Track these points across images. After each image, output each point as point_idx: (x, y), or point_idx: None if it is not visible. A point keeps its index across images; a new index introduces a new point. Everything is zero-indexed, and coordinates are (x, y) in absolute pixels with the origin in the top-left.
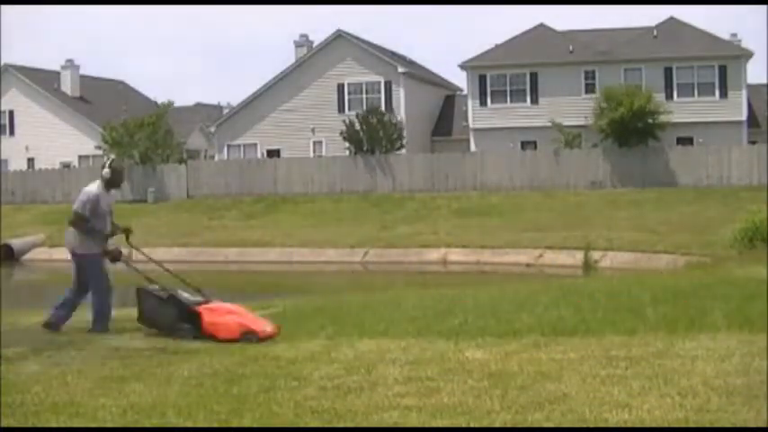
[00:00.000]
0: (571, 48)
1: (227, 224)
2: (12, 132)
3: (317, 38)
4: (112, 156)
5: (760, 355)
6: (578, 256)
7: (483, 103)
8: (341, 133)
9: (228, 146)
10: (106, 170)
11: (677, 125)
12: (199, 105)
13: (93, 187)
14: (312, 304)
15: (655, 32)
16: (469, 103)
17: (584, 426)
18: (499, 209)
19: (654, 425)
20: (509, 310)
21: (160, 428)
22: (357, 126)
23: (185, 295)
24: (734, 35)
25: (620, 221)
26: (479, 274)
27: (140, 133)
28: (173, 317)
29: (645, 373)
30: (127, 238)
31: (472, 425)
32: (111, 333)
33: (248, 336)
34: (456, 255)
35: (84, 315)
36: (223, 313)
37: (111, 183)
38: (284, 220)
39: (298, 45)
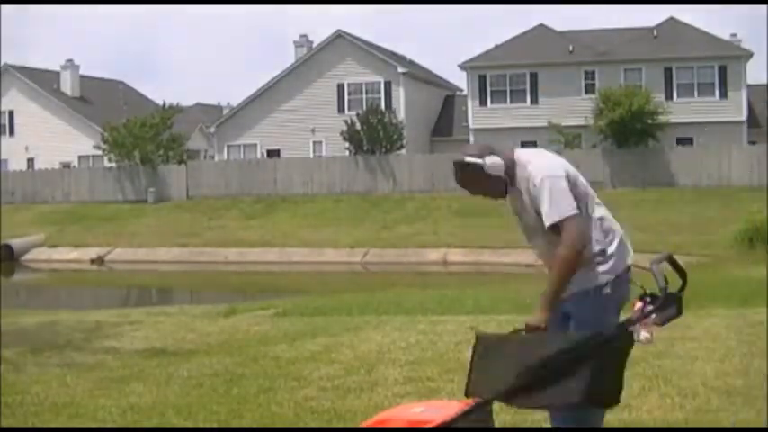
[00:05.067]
0: (571, 48)
1: (226, 224)
2: (12, 132)
3: (317, 38)
4: None
5: (760, 356)
6: None
7: (483, 103)
8: (341, 133)
9: (228, 146)
10: None
11: (677, 125)
12: (199, 105)
13: None
14: (312, 304)
15: (655, 32)
16: (469, 103)
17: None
18: (499, 209)
19: (654, 425)
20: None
21: (160, 428)
22: (357, 126)
23: None
24: (734, 35)
25: (620, 222)
26: (479, 274)
27: (143, 134)
28: None
29: (645, 373)
30: None
31: None
32: None
33: None
34: (456, 255)
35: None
36: None
37: None
38: (284, 221)
39: (298, 45)
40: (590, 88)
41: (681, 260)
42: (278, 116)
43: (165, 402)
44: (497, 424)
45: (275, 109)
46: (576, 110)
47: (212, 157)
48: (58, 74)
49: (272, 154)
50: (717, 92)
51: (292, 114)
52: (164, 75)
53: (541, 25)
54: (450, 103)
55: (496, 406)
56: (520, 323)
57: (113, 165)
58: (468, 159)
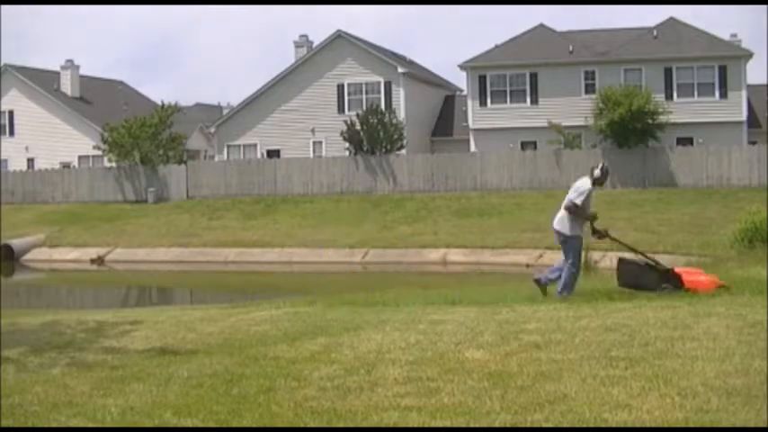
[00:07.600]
0: (571, 48)
1: (227, 224)
2: (12, 132)
3: (317, 38)
4: (603, 162)
5: (760, 356)
6: None
7: (483, 103)
8: (341, 133)
9: (228, 146)
10: (597, 171)
11: (677, 125)
12: (199, 105)
13: (588, 183)
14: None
15: (655, 32)
16: (469, 103)
17: (584, 426)
18: (499, 209)
19: (654, 425)
20: None
21: (160, 429)
22: (357, 126)
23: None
24: (734, 35)
25: (620, 221)
26: (479, 274)
27: (142, 134)
28: (655, 279)
29: (645, 374)
30: (592, 222)
31: (472, 425)
32: (574, 295)
33: (719, 289)
34: (456, 255)
35: None
36: (695, 274)
37: (599, 182)
38: (284, 221)
39: (298, 45)
40: (590, 88)
41: (681, 260)
42: (278, 116)
43: (165, 402)
44: (498, 424)
45: (275, 109)
46: (576, 110)
47: (212, 157)
48: (58, 74)
49: (272, 154)
50: (717, 92)
51: (292, 114)
52: (164, 75)
53: (541, 25)
54: (450, 103)
55: (497, 405)
56: (520, 323)
57: (113, 165)
58: None
